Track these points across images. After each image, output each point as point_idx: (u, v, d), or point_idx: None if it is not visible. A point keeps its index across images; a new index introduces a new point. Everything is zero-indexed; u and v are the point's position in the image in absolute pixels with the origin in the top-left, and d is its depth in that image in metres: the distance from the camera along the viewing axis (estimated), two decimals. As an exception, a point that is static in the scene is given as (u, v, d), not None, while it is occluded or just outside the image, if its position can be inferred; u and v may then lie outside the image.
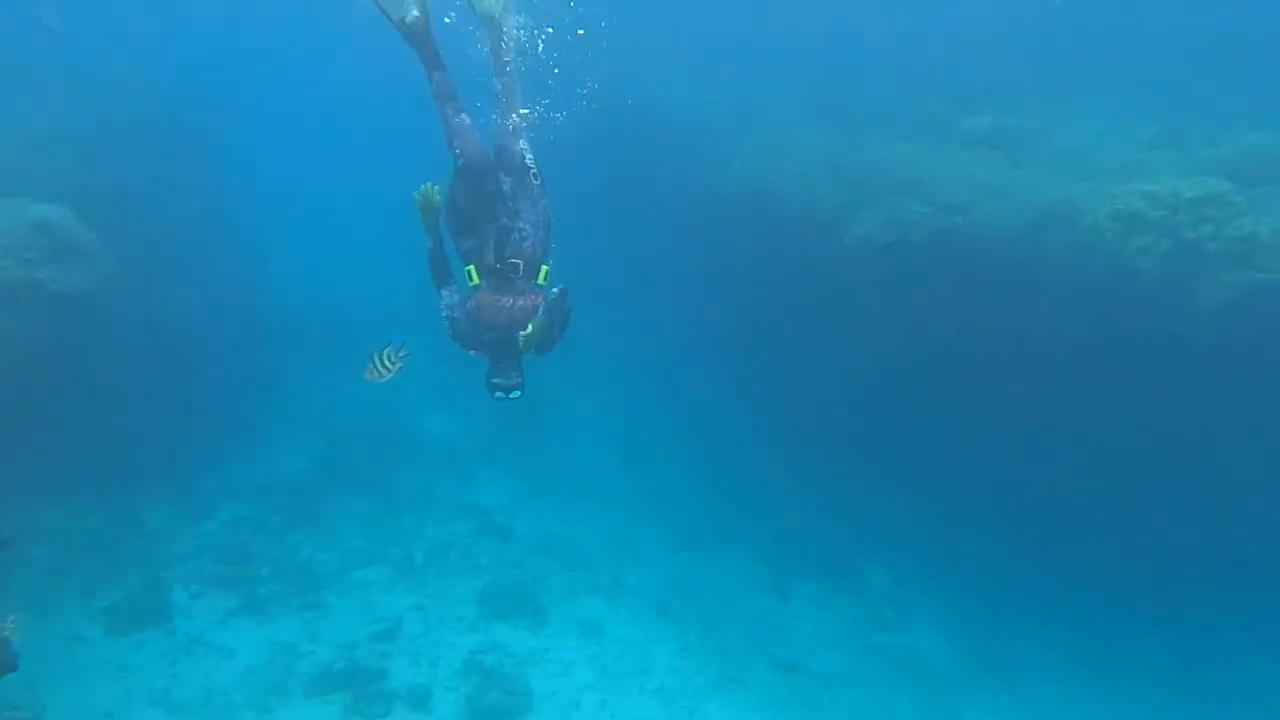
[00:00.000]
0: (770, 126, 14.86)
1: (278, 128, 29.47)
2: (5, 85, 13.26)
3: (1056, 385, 10.38)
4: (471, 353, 4.59)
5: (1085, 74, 15.27)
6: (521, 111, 4.84)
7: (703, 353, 16.93)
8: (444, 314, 4.59)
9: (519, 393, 4.52)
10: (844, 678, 10.72)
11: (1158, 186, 8.81)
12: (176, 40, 23.46)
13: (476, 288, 4.47)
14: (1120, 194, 8.99)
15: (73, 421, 10.03)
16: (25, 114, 12.52)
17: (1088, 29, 16.90)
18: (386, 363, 5.07)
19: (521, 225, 4.47)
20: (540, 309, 4.38)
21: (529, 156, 4.68)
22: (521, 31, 5.04)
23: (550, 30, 5.49)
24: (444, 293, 4.63)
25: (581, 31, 6.57)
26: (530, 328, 4.32)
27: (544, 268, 4.51)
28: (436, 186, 4.67)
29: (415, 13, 4.60)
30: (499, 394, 4.51)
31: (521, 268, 4.42)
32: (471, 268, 4.48)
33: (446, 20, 5.12)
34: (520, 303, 4.39)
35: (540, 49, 5.44)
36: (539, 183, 4.63)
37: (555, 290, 4.53)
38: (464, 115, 4.67)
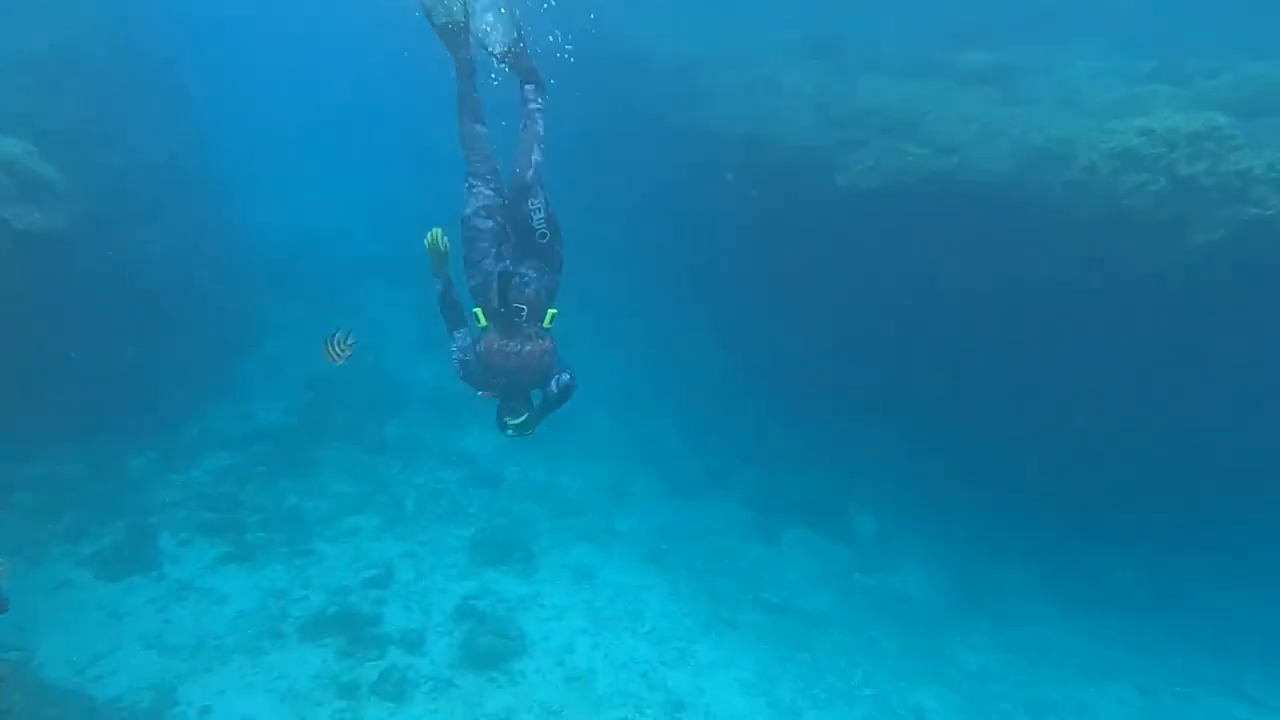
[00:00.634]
0: (759, 66, 14.51)
1: (250, 63, 28.58)
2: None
3: (1046, 329, 10.39)
4: (481, 393, 4.57)
5: (1081, 8, 14.97)
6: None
7: (690, 299, 16.80)
8: (455, 356, 4.58)
9: (531, 431, 4.55)
10: (831, 618, 10.89)
11: (1155, 122, 8.70)
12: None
13: (485, 330, 4.41)
14: (1117, 130, 8.87)
15: (48, 367, 9.80)
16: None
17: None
18: (338, 347, 5.16)
19: (525, 271, 4.40)
20: (549, 354, 4.40)
21: (537, 217, 4.50)
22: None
23: None
24: (456, 334, 4.61)
25: None
26: (523, 418, 4.42)
27: (550, 312, 4.45)
28: (443, 232, 4.63)
29: (459, 19, 4.59)
30: (510, 432, 4.53)
31: (525, 313, 4.35)
32: (479, 310, 4.43)
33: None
34: (529, 347, 4.35)
35: None
36: (545, 241, 4.52)
37: (565, 378, 4.45)
38: (482, 127, 4.68)
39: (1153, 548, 11.58)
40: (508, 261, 4.38)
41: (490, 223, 4.45)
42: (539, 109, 4.68)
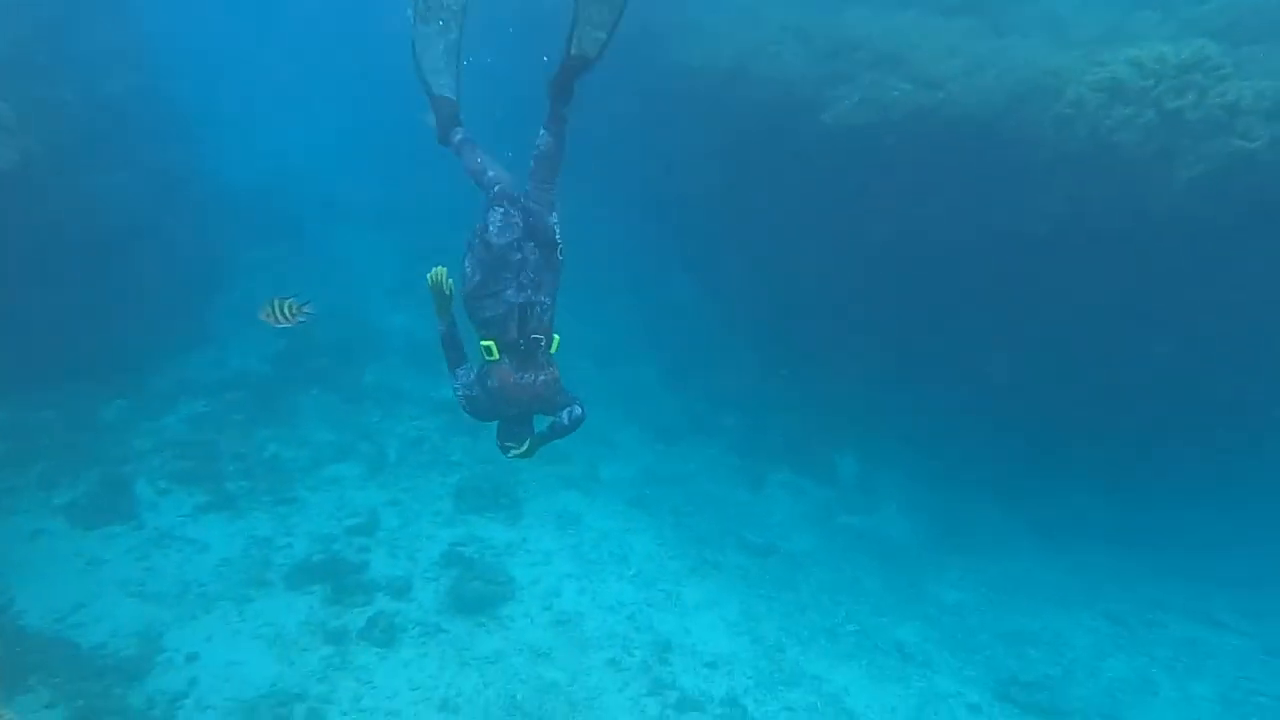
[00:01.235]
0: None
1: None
2: None
3: (1030, 267, 10.38)
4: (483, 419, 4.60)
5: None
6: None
7: (670, 244, 16.60)
8: (460, 393, 4.53)
9: (531, 456, 4.58)
10: (814, 558, 11.06)
11: (1143, 52, 8.54)
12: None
13: (495, 363, 4.30)
14: (1106, 62, 8.71)
15: (10, 312, 9.42)
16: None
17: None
18: (286, 312, 5.08)
19: (543, 299, 4.31)
20: (557, 383, 4.40)
21: (559, 232, 4.41)
22: None
23: None
24: (458, 372, 4.55)
25: None
26: (526, 446, 4.43)
27: (556, 338, 4.42)
28: (446, 272, 4.47)
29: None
30: (511, 455, 4.55)
31: (544, 342, 4.33)
32: (491, 343, 4.29)
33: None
34: (541, 378, 4.34)
35: None
36: (562, 258, 4.41)
37: (577, 411, 4.43)
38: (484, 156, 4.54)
39: (1124, 481, 11.86)
40: (529, 291, 4.25)
41: (518, 255, 4.28)
42: (566, 127, 4.48)
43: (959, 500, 12.29)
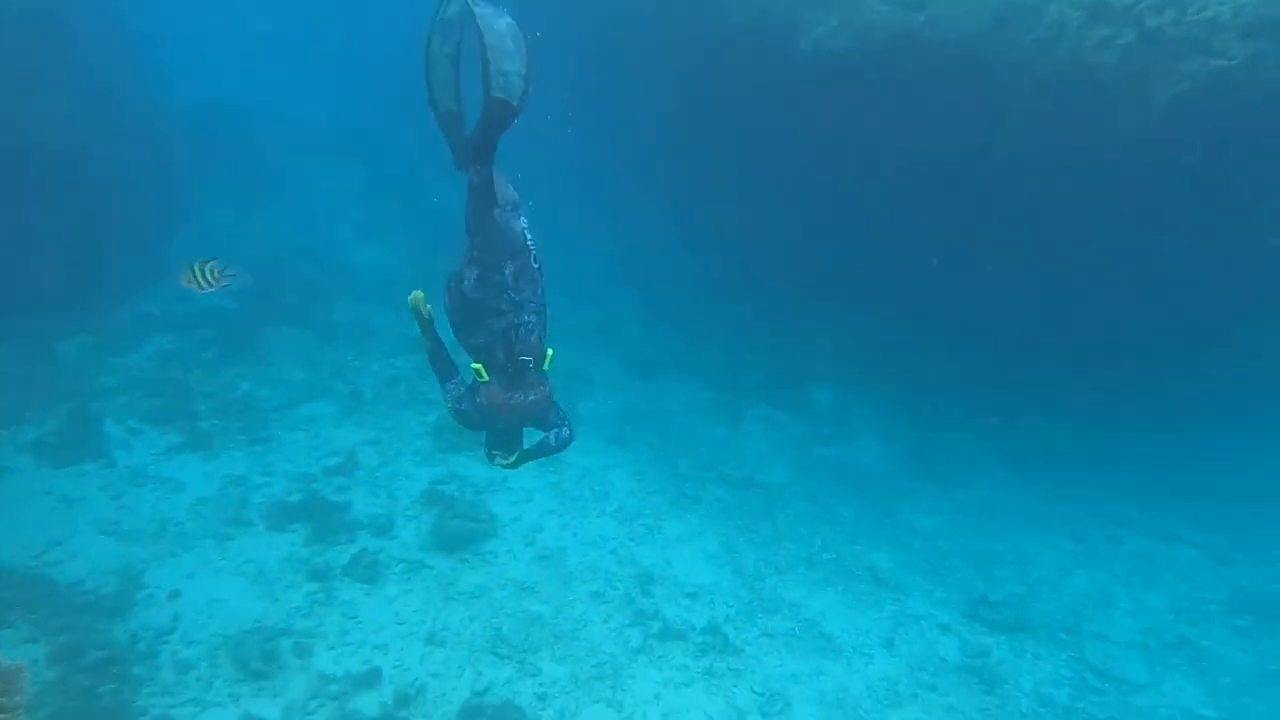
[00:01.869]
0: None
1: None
2: None
3: (1009, 196, 10.40)
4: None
5: None
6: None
7: (643, 179, 16.33)
8: (450, 405, 4.50)
9: (517, 468, 4.62)
10: (791, 489, 11.27)
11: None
12: None
13: (486, 384, 4.27)
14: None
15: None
16: None
17: None
18: (208, 276, 4.96)
19: (528, 318, 4.23)
20: (549, 399, 4.39)
21: (529, 236, 4.28)
22: None
23: None
24: (449, 386, 4.50)
25: None
26: (513, 458, 4.44)
27: (549, 353, 4.33)
28: (425, 296, 4.48)
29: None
30: (498, 463, 4.55)
31: (532, 363, 4.24)
32: (480, 366, 4.27)
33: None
34: (532, 396, 4.31)
35: None
36: (538, 265, 4.29)
37: (565, 434, 4.50)
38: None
39: (1087, 407, 12.23)
40: (511, 315, 4.18)
41: (497, 296, 4.19)
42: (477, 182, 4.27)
43: (930, 430, 12.59)
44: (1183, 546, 10.91)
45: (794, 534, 10.32)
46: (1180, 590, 10.04)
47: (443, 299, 4.35)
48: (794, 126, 11.89)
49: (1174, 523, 11.29)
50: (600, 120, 16.60)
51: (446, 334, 4.53)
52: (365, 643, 7.63)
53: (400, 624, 7.92)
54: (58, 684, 5.91)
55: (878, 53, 10.14)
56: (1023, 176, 9.99)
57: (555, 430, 4.43)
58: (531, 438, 4.59)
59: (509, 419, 4.34)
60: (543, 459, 4.65)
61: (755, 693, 7.78)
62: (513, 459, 4.46)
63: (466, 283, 4.16)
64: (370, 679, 7.23)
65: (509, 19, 3.98)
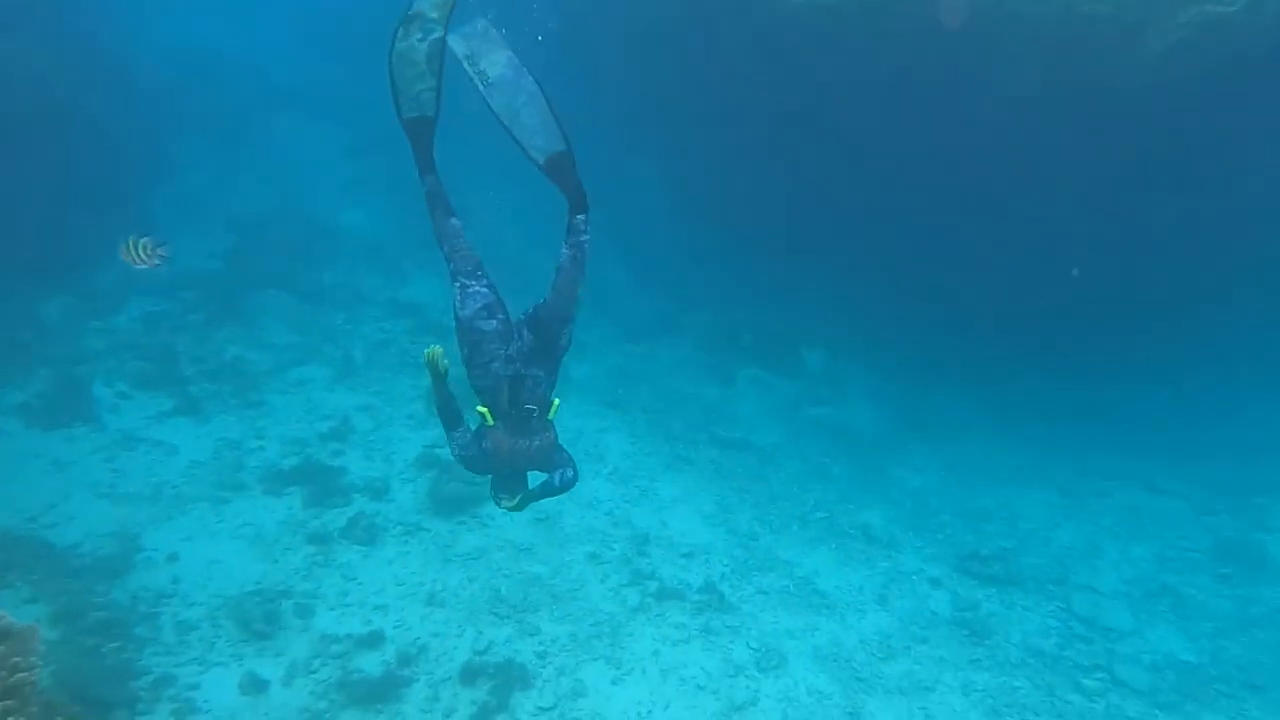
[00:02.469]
0: None
1: None
2: None
3: (1002, 151, 10.37)
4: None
5: None
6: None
7: (632, 138, 16.15)
8: (456, 452, 4.54)
9: (522, 510, 4.68)
10: (784, 450, 11.36)
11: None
12: None
13: (491, 428, 4.35)
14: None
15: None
16: None
17: None
18: (142, 252, 5.02)
19: (535, 372, 4.30)
20: (554, 445, 4.45)
21: (567, 340, 4.38)
22: None
23: None
24: (454, 434, 4.53)
25: None
26: (518, 500, 4.50)
27: (554, 402, 4.43)
28: (443, 352, 4.49)
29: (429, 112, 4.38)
30: (503, 506, 4.62)
31: (536, 412, 4.32)
32: (485, 410, 4.34)
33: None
34: (537, 442, 4.38)
35: None
36: (567, 344, 4.40)
37: (569, 475, 4.48)
38: (456, 220, 4.43)
39: (1074, 363, 12.42)
40: (518, 364, 4.23)
41: (493, 323, 4.26)
42: (588, 240, 4.29)
43: (920, 388, 12.74)
44: (1167, 498, 11.16)
45: (787, 493, 10.43)
46: (1165, 541, 10.29)
47: (454, 336, 4.45)
48: (784, 85, 11.75)
49: (1159, 475, 11.53)
50: (586, 83, 16.35)
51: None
52: (365, 603, 7.65)
53: (400, 585, 7.95)
54: (61, 644, 5.89)
55: (870, 5, 10.01)
56: (1016, 129, 9.94)
57: (560, 471, 4.48)
58: (535, 479, 4.65)
59: (513, 464, 4.43)
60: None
61: (751, 648, 7.91)
62: (516, 501, 4.54)
63: (456, 303, 4.27)
64: (372, 639, 7.26)
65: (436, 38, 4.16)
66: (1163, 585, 9.41)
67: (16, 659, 3.02)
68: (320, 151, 15.95)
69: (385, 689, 6.82)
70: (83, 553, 7.29)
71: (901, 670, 7.86)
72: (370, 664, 7.06)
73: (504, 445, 4.31)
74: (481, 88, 4.13)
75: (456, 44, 4.24)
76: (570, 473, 4.47)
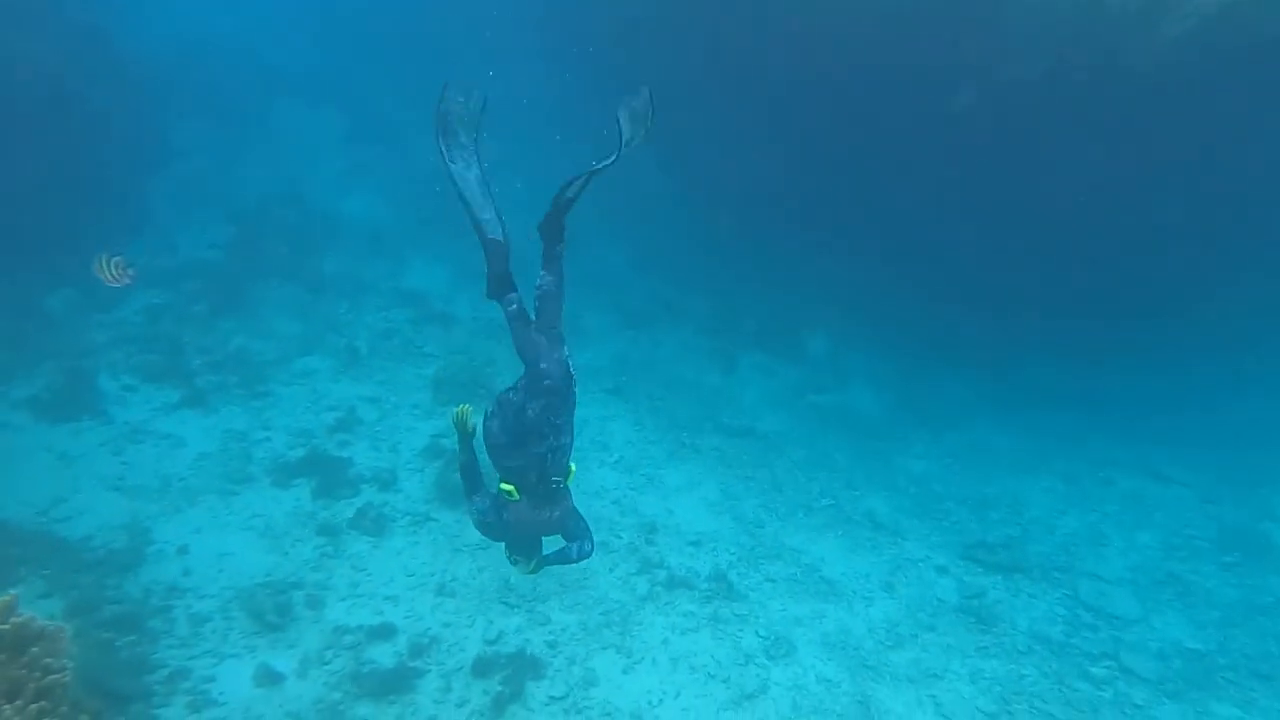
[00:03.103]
0: None
1: None
2: None
3: (1011, 135, 10.32)
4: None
5: None
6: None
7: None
8: (475, 518, 4.69)
9: (536, 573, 4.81)
10: (788, 437, 11.38)
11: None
12: None
13: (515, 503, 4.46)
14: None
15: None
16: None
17: None
18: (113, 270, 5.17)
19: (564, 440, 4.45)
20: (572, 513, 4.61)
21: (572, 365, 4.53)
22: None
23: None
24: (475, 499, 4.69)
25: None
26: (533, 564, 4.66)
27: (572, 469, 4.58)
28: (470, 409, 4.71)
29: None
30: (519, 568, 4.77)
31: (561, 484, 4.49)
32: (511, 487, 4.42)
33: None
34: (557, 513, 4.54)
35: None
36: (574, 384, 4.53)
37: (586, 549, 4.65)
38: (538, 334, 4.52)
39: (1077, 350, 12.42)
40: (551, 438, 4.37)
41: (540, 404, 4.38)
42: (563, 264, 4.60)
43: (923, 375, 12.75)
44: (1172, 486, 11.24)
45: (792, 481, 10.47)
46: (1170, 528, 10.38)
47: (489, 421, 4.51)
48: (785, 66, 11.64)
49: (1163, 463, 11.61)
50: (586, 66, 16.20)
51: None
52: (376, 594, 7.66)
53: (409, 575, 7.96)
54: (77, 638, 5.83)
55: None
56: (1022, 113, 9.89)
57: (578, 545, 4.64)
58: (550, 542, 4.76)
59: (533, 534, 4.59)
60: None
61: (760, 636, 7.96)
62: (533, 565, 4.66)
63: (529, 411, 4.32)
64: (384, 630, 7.28)
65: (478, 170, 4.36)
66: (1169, 573, 9.49)
67: (49, 660, 3.02)
68: (318, 138, 15.77)
69: (398, 680, 6.85)
70: (94, 546, 7.28)
71: (910, 658, 7.93)
72: (383, 655, 7.08)
73: (526, 518, 4.47)
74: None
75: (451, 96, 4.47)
76: (588, 546, 4.67)
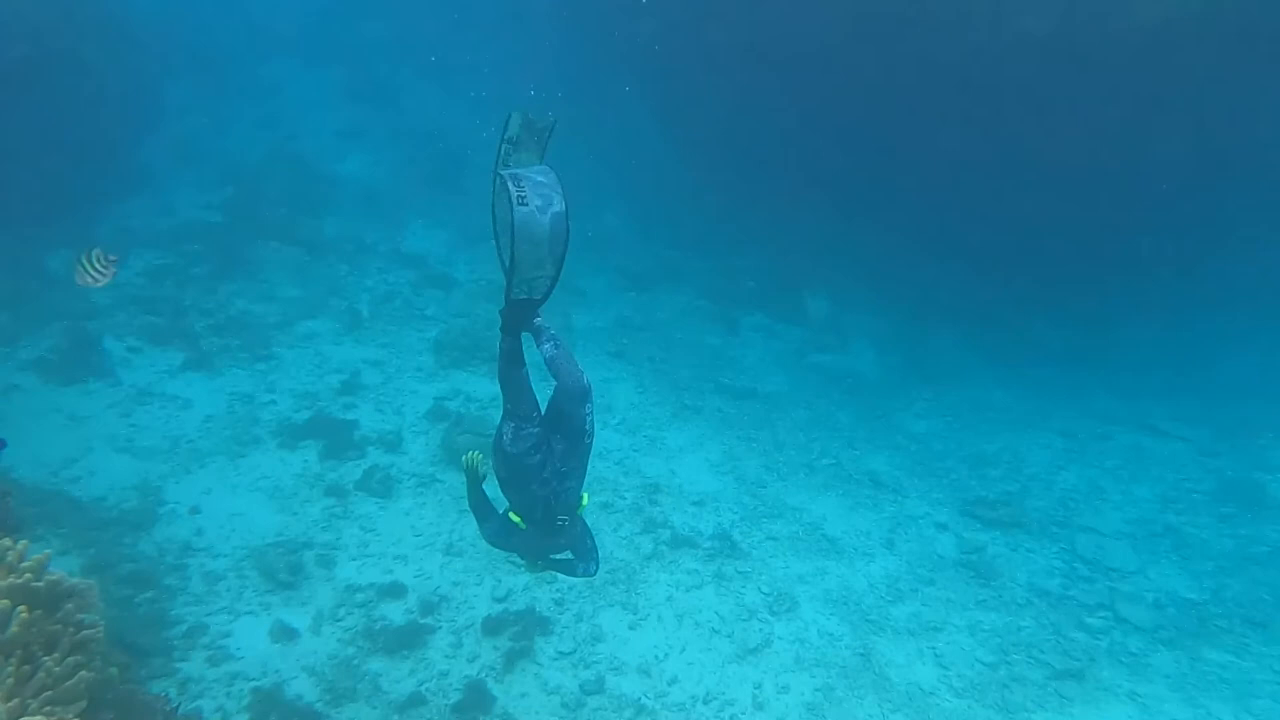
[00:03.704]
0: None
1: None
2: None
3: (1001, 97, 10.24)
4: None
5: None
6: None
7: (629, 83, 15.84)
8: (487, 537, 4.77)
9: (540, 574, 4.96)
10: (789, 397, 11.46)
11: None
12: None
13: (524, 531, 4.54)
14: None
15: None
16: None
17: None
18: (97, 266, 4.91)
19: (570, 485, 4.46)
20: (582, 537, 4.73)
21: (590, 420, 4.48)
22: None
23: None
24: (486, 525, 4.75)
25: None
26: (539, 567, 4.75)
27: (584, 499, 4.60)
28: (480, 456, 4.77)
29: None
30: (525, 567, 4.84)
31: (568, 521, 4.53)
32: (519, 518, 4.51)
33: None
34: (564, 540, 4.67)
35: None
36: (589, 442, 4.51)
37: (592, 569, 4.80)
38: (524, 369, 4.39)
39: (1074, 306, 12.47)
40: (554, 484, 4.41)
41: (538, 456, 4.38)
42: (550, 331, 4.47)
43: (925, 333, 12.80)
44: (1170, 440, 11.35)
45: (794, 441, 10.56)
46: (1167, 482, 10.51)
47: (491, 461, 4.58)
48: (787, 22, 11.48)
49: (1162, 418, 11.71)
50: (588, 28, 15.94)
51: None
52: (385, 554, 7.78)
53: (417, 536, 8.07)
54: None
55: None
56: (1025, 68, 9.79)
57: (583, 565, 4.79)
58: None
59: (543, 552, 4.77)
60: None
61: (763, 593, 8.10)
62: (539, 567, 4.79)
63: (505, 438, 4.34)
64: (394, 588, 7.40)
65: (557, 210, 4.03)
66: (1165, 525, 9.64)
67: (81, 616, 3.09)
68: (314, 97, 15.59)
69: (411, 636, 6.99)
70: (108, 506, 7.36)
71: (910, 611, 8.09)
72: (394, 613, 7.20)
73: (535, 544, 4.65)
74: (511, 203, 4.00)
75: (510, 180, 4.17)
76: (593, 567, 4.83)
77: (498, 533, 4.64)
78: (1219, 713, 7.08)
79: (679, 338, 12.31)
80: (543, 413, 4.42)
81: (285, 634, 6.72)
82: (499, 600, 7.55)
